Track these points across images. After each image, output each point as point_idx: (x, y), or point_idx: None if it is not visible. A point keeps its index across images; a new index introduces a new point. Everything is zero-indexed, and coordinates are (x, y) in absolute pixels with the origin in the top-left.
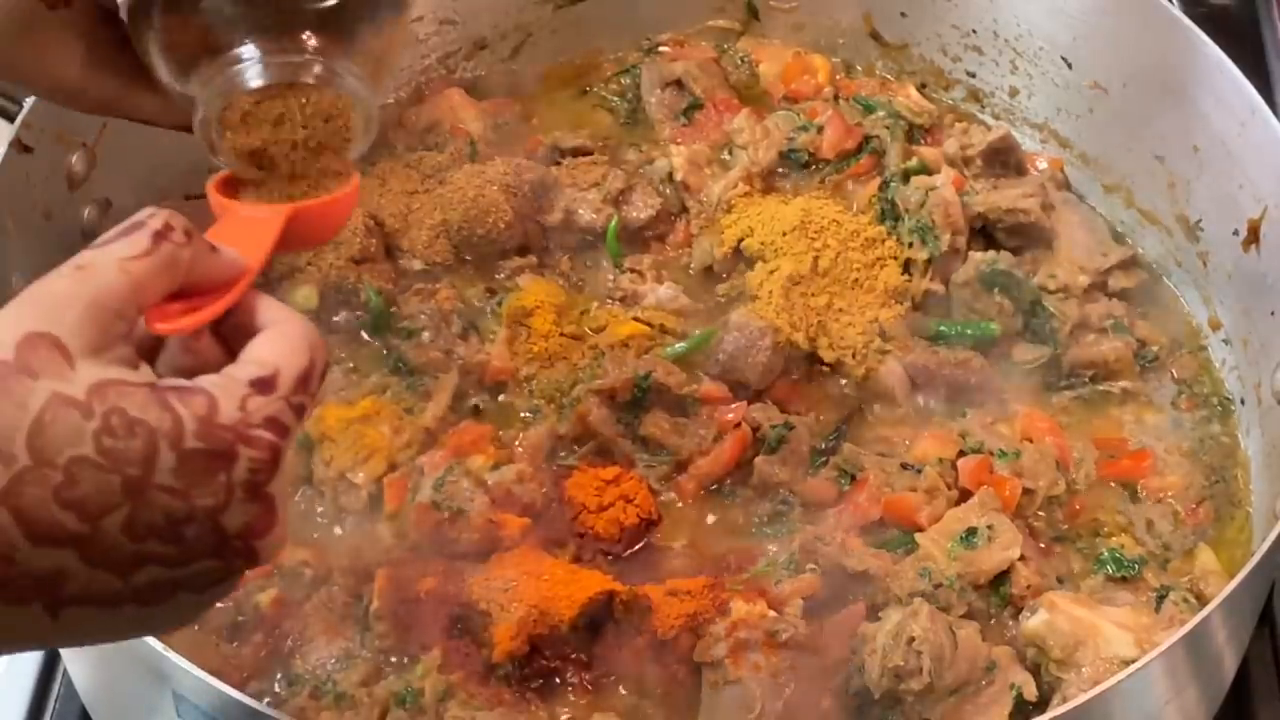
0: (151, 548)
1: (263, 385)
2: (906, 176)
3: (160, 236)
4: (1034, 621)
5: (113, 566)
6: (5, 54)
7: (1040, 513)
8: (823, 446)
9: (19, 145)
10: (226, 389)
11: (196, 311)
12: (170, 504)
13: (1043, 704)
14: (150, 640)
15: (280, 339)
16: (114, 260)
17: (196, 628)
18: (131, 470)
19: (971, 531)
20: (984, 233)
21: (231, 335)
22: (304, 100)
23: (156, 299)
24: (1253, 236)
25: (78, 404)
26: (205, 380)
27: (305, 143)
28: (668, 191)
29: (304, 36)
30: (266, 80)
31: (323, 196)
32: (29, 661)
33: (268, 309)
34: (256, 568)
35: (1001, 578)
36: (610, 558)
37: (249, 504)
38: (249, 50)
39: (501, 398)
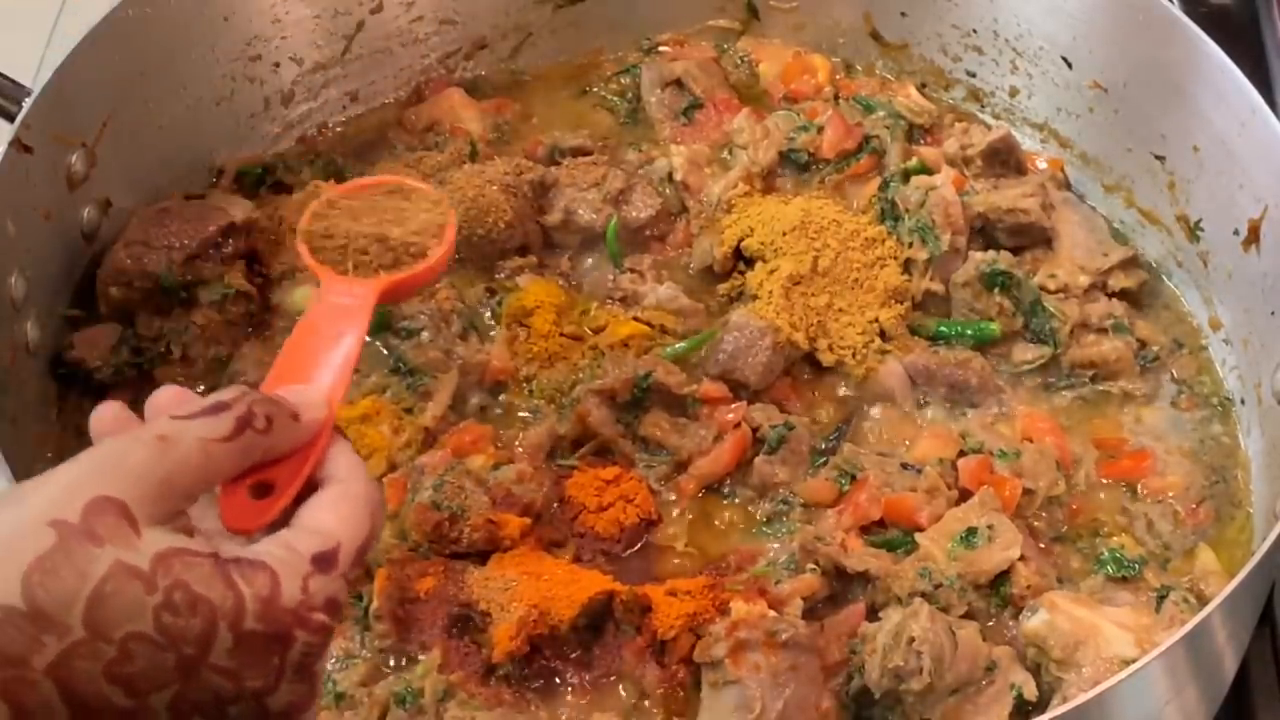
0: None
1: (324, 562)
2: (906, 176)
3: (244, 423)
4: (1034, 621)
5: None
6: None
7: (1040, 513)
8: (823, 446)
9: (19, 145)
10: (289, 565)
11: (269, 487)
12: (220, 684)
13: (1043, 704)
14: None
15: (344, 503)
16: (195, 438)
17: None
18: (188, 649)
19: (971, 531)
20: (984, 233)
21: None
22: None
23: (227, 480)
24: (1253, 236)
25: (141, 575)
26: (267, 554)
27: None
28: (668, 191)
29: None
30: None
31: (416, 267)
32: None
33: (333, 459)
34: None
35: (1001, 578)
36: (610, 558)
37: (296, 684)
38: None
39: (501, 398)
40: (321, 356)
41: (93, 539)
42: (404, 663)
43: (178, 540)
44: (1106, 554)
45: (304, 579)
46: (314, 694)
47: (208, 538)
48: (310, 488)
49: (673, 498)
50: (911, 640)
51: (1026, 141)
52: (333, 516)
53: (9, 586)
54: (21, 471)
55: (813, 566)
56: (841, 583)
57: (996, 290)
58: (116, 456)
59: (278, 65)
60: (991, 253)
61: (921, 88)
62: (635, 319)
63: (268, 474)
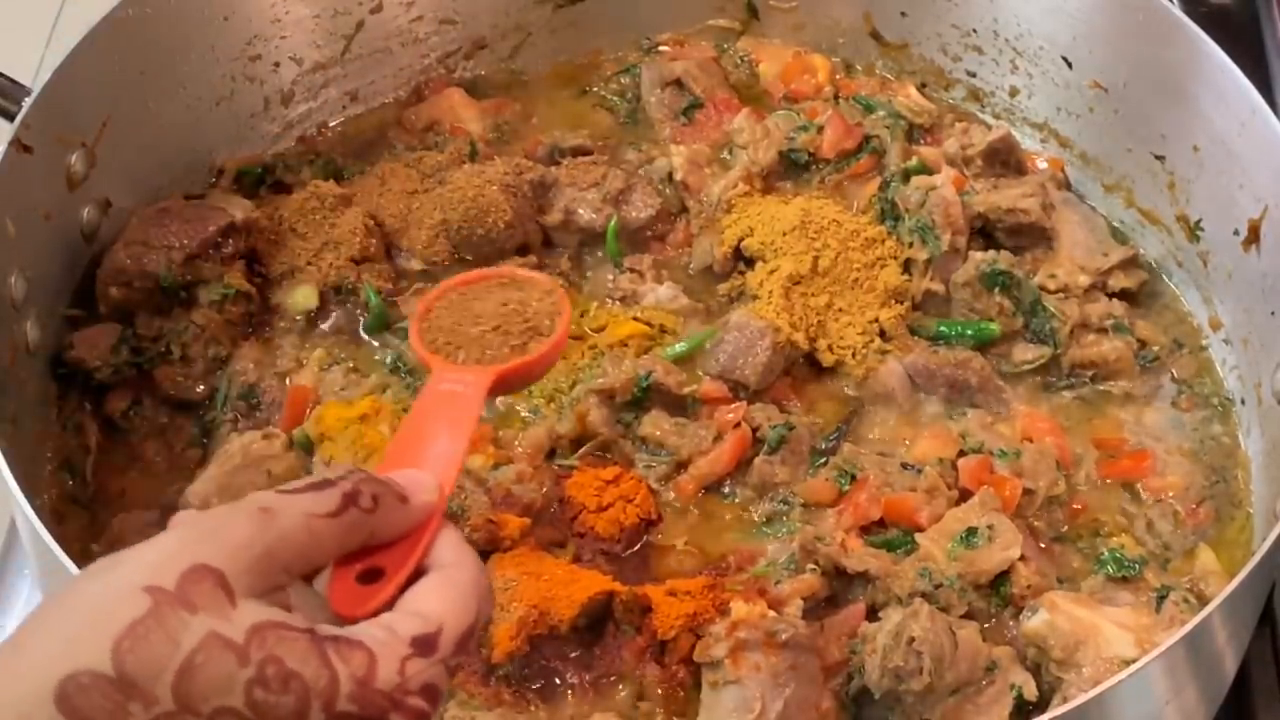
0: None
1: (424, 645)
2: (906, 176)
3: (350, 500)
4: (1034, 621)
5: None
6: None
7: (1040, 513)
8: (823, 446)
9: (19, 145)
10: (388, 647)
11: (378, 573)
12: None
13: (1043, 704)
14: None
15: (449, 588)
16: (300, 513)
17: None
18: None
19: (971, 531)
20: (984, 233)
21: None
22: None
23: (330, 560)
24: (1253, 236)
25: (234, 647)
26: (366, 634)
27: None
28: (668, 191)
29: None
30: None
31: (528, 356)
32: None
33: (441, 545)
34: None
35: (1001, 578)
36: (610, 558)
37: None
38: None
39: (501, 398)
40: (433, 443)
41: (187, 606)
42: None
43: (274, 614)
44: (1106, 554)
45: (402, 661)
46: None
47: (308, 619)
48: (417, 574)
49: (673, 498)
50: (911, 640)
51: (1026, 141)
52: (437, 600)
53: (99, 652)
54: (21, 471)
55: (813, 566)
56: (841, 583)
57: (996, 290)
58: (217, 526)
59: (278, 65)
60: (991, 253)
61: (921, 88)
62: (635, 319)
63: (376, 560)
